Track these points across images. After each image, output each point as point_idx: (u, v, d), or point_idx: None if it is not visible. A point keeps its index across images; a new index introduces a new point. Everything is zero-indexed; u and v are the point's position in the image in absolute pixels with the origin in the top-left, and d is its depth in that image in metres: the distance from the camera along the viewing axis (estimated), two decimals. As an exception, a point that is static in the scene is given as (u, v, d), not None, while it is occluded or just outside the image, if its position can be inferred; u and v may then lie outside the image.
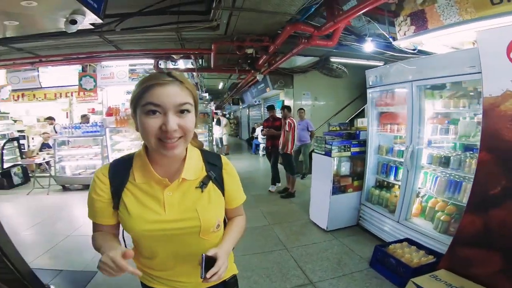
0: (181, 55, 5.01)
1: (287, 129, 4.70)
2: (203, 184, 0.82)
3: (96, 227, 0.86)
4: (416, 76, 2.44)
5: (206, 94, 8.72)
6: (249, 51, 4.27)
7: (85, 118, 6.24)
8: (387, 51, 4.07)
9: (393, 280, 2.27)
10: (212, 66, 5.31)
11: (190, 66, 5.92)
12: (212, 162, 0.88)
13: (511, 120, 1.59)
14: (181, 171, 0.80)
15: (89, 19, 2.10)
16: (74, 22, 2.01)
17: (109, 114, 5.36)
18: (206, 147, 4.49)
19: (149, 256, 0.84)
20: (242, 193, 0.97)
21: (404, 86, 2.62)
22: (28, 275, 1.99)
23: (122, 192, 0.79)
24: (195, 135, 0.88)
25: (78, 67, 5.96)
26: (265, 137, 5.77)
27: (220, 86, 10.85)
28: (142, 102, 0.70)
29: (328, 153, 3.25)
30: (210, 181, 0.84)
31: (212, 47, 4.10)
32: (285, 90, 8.04)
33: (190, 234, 0.80)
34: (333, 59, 5.41)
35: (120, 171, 0.81)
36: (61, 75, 6.55)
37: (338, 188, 3.29)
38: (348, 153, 3.27)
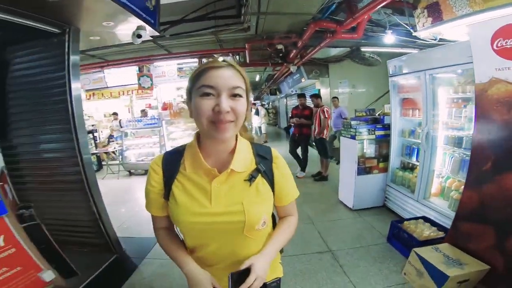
0: (220, 54, 5.55)
1: (326, 115, 4.87)
2: (251, 177, 0.80)
3: (154, 220, 0.89)
4: (427, 66, 2.59)
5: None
6: (279, 47, 4.62)
7: (144, 113, 7.22)
8: (416, 39, 4.07)
9: (403, 253, 2.47)
10: (247, 61, 5.76)
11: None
12: (263, 155, 0.85)
13: (497, 103, 1.75)
14: (230, 162, 0.78)
15: (149, 32, 2.67)
16: (139, 36, 2.59)
17: (164, 108, 6.24)
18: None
19: (193, 250, 0.84)
20: (295, 189, 0.92)
21: (418, 75, 2.77)
22: (114, 240, 2.64)
23: (173, 182, 0.80)
24: (245, 128, 0.87)
25: (136, 68, 6.89)
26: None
27: (257, 78, 11.31)
28: (197, 86, 0.72)
29: (353, 137, 3.50)
30: (259, 175, 0.81)
31: (246, 46, 4.55)
32: (320, 79, 8.14)
33: (234, 230, 0.78)
34: (363, 49, 5.44)
35: (172, 162, 0.82)
36: (122, 75, 7.50)
37: (363, 169, 3.52)
38: (373, 136, 3.47)
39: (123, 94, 8.03)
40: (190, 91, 0.77)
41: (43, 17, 1.96)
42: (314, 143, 5.25)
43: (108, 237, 2.59)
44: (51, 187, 2.43)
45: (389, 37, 3.80)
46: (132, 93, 7.88)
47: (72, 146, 2.25)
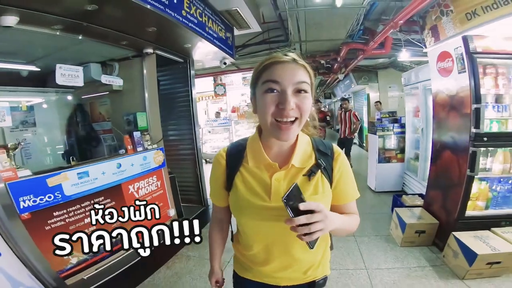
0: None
1: (358, 119, 5.71)
2: (311, 173, 0.76)
3: (214, 209, 0.94)
4: (421, 79, 3.39)
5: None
6: (322, 61, 5.65)
7: (217, 114, 9.02)
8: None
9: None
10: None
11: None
12: (323, 150, 0.81)
13: (441, 105, 2.57)
14: (291, 156, 0.77)
15: (229, 59, 4.12)
16: (225, 63, 4.06)
17: (232, 111, 7.89)
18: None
19: (247, 244, 0.83)
20: (355, 189, 0.85)
21: (417, 85, 3.55)
22: (204, 197, 4.07)
23: (235, 175, 0.80)
24: (307, 123, 0.82)
25: (211, 78, 8.71)
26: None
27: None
28: (261, 80, 0.70)
29: (374, 133, 4.35)
30: (319, 170, 0.77)
31: (295, 62, 5.75)
32: (369, 85, 8.71)
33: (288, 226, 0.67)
34: (400, 59, 6.01)
35: (235, 154, 0.82)
36: (201, 84, 9.48)
37: (383, 159, 4.33)
38: (391, 133, 4.27)
39: (202, 99, 10.04)
40: (254, 87, 0.74)
41: (177, 53, 3.52)
42: (342, 142, 5.85)
43: (202, 194, 4.06)
44: (177, 158, 4.01)
45: (404, 54, 4.49)
46: (208, 98, 9.81)
47: (191, 134, 3.84)
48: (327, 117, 5.99)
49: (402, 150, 4.28)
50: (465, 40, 2.31)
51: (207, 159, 8.16)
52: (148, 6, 2.04)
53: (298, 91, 0.69)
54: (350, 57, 5.63)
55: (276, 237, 0.78)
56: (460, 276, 2.12)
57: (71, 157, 2.25)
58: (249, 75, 8.86)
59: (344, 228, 0.78)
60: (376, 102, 6.95)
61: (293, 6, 3.41)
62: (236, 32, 4.25)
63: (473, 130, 2.19)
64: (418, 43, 3.83)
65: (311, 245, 0.64)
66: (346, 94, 12.47)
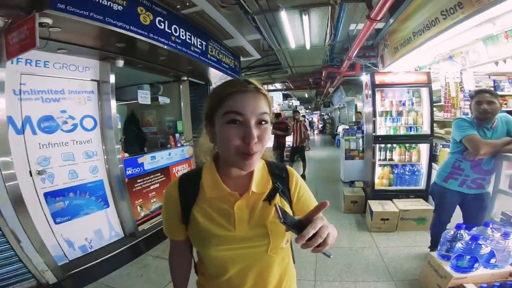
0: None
1: (306, 129, 6.71)
2: (270, 197, 0.78)
3: (171, 244, 0.90)
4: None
5: (298, 103, 11.97)
6: (310, 79, 7.25)
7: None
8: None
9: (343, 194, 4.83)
10: (292, 87, 8.54)
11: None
12: (278, 173, 0.83)
13: (366, 118, 4.10)
14: (249, 183, 0.77)
15: None
16: None
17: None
18: (291, 142, 7.73)
19: (216, 274, 0.79)
20: (315, 201, 0.88)
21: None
22: None
23: (192, 207, 0.77)
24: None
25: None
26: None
27: (306, 95, 13.86)
28: (223, 110, 0.67)
29: (341, 137, 5.90)
30: (277, 194, 0.80)
31: (288, 80, 7.35)
32: (357, 96, 10.24)
33: (258, 252, 0.75)
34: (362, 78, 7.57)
35: (189, 186, 0.79)
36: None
37: (349, 157, 5.85)
38: (354, 137, 5.79)
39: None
40: (211, 114, 0.71)
41: (201, 79, 5.13)
42: (296, 151, 6.65)
43: None
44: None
45: (364, 76, 6.00)
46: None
47: None
48: (288, 127, 6.67)
49: (363, 150, 5.78)
50: (372, 75, 3.84)
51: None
52: (191, 55, 3.65)
53: (260, 122, 0.68)
54: (332, 76, 7.20)
55: (246, 263, 0.76)
56: (369, 230, 3.47)
57: (144, 148, 3.88)
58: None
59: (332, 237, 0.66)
60: (357, 112, 8.47)
61: (278, 48, 5.02)
62: (242, 59, 5.88)
63: (373, 134, 3.73)
64: (375, 67, 5.37)
65: (328, 254, 0.59)
66: (341, 104, 14.07)
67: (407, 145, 3.85)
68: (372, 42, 5.22)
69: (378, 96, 3.84)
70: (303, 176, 6.47)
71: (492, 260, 1.83)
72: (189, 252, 0.91)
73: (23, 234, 2.18)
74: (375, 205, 3.46)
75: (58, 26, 2.19)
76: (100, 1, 2.29)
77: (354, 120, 9.30)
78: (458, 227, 1.95)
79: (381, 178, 3.93)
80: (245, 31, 4.47)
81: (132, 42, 2.85)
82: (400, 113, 3.89)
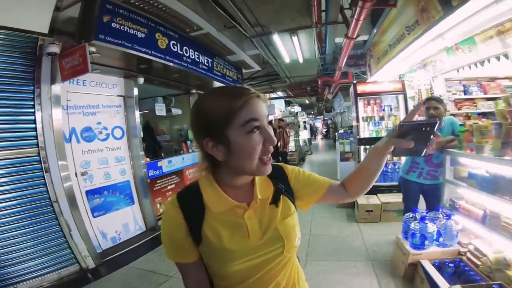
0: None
1: (288, 135, 7.33)
2: (276, 199, 0.78)
3: (182, 269, 0.75)
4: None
5: (300, 109, 12.58)
6: (308, 87, 7.86)
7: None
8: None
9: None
10: (292, 95, 9.15)
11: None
12: (276, 175, 0.81)
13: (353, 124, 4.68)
14: (253, 191, 0.76)
15: None
16: None
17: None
18: (292, 147, 8.37)
19: (234, 284, 0.74)
20: (323, 179, 0.89)
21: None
22: None
23: (201, 225, 0.71)
24: None
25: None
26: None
27: (307, 101, 14.47)
28: (241, 121, 0.64)
29: (336, 141, 6.45)
30: (282, 194, 0.80)
31: (287, 89, 7.97)
32: (355, 101, 10.80)
33: (275, 255, 0.73)
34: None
35: (192, 203, 0.73)
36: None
37: (344, 158, 6.38)
38: (348, 140, 6.34)
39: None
40: (219, 131, 0.65)
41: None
42: (280, 155, 7.09)
43: None
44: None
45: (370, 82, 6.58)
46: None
47: None
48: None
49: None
50: (355, 85, 4.42)
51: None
52: (199, 72, 4.27)
53: (268, 123, 0.70)
54: (328, 84, 7.80)
55: (264, 269, 0.73)
56: (356, 221, 3.96)
57: (161, 153, 4.50)
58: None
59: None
60: (355, 117, 9.05)
61: (275, 62, 5.64)
62: (244, 71, 6.51)
63: (358, 136, 4.29)
64: (364, 75, 5.94)
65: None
66: (341, 109, 14.61)
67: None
68: (362, 51, 5.81)
69: (361, 103, 4.42)
70: None
71: (441, 239, 2.27)
72: (207, 278, 0.77)
73: (73, 224, 2.78)
74: (361, 199, 3.98)
75: (98, 52, 2.83)
76: (128, 31, 2.92)
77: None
78: (414, 211, 2.47)
79: None
80: (245, 47, 5.10)
81: (152, 63, 3.50)
82: (382, 118, 4.47)
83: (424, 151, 0.72)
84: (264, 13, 3.48)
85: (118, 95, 3.65)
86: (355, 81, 6.02)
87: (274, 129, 7.13)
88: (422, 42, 3.07)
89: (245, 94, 0.67)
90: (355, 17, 3.03)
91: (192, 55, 4.13)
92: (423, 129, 0.69)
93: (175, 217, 0.72)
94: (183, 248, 0.73)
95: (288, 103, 14.06)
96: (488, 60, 3.05)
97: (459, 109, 4.01)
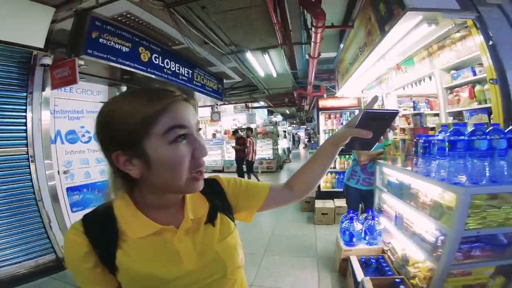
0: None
1: (248, 145, 7.51)
2: (212, 218, 0.70)
3: None
4: None
5: (281, 118, 13.23)
6: (286, 100, 8.48)
7: (213, 135, 11.77)
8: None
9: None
10: (272, 105, 9.77)
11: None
12: (210, 190, 0.73)
13: (314, 134, 5.28)
14: (183, 211, 0.67)
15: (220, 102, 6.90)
16: (217, 104, 6.85)
17: (225, 133, 10.62)
18: (274, 154, 8.98)
19: None
20: (262, 183, 0.86)
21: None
22: None
23: (115, 252, 0.60)
24: None
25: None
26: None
27: (288, 111, 15.09)
28: (162, 128, 0.55)
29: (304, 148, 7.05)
30: (218, 212, 0.72)
31: (267, 99, 8.57)
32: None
33: (217, 279, 0.65)
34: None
35: (101, 227, 0.61)
36: (202, 110, 12.28)
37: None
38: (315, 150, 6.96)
39: (202, 122, 12.85)
40: (134, 142, 0.55)
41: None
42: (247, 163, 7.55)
43: None
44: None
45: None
46: (206, 122, 12.62)
47: None
48: (245, 142, 7.65)
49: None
50: (317, 100, 5.03)
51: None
52: (179, 83, 4.75)
53: (198, 131, 0.61)
54: (303, 96, 8.42)
55: None
56: (314, 223, 4.49)
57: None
58: (239, 105, 11.72)
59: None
60: (330, 128, 9.76)
61: (252, 76, 6.21)
62: (225, 81, 7.01)
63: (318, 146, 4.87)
64: (333, 89, 6.55)
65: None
66: (321, 120, 15.43)
67: (346, 156, 5.01)
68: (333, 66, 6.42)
69: (322, 117, 5.03)
70: None
71: (367, 237, 2.70)
72: None
73: (54, 217, 3.15)
74: (319, 203, 4.55)
75: (86, 65, 3.25)
76: (114, 46, 3.35)
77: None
78: (348, 212, 2.99)
79: (326, 182, 5.05)
80: (225, 60, 5.56)
81: (135, 74, 3.95)
82: (341, 131, 5.08)
83: (375, 145, 0.76)
84: (235, 34, 4.02)
85: (101, 102, 4.06)
86: (325, 95, 6.67)
87: (243, 138, 7.60)
88: (370, 62, 3.47)
89: (167, 96, 0.57)
90: (312, 39, 3.56)
91: (172, 67, 4.61)
92: (386, 117, 0.72)
93: (78, 244, 0.60)
94: (93, 280, 0.62)
95: (271, 112, 14.68)
96: (424, 80, 3.47)
97: (408, 123, 4.63)
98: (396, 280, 2.05)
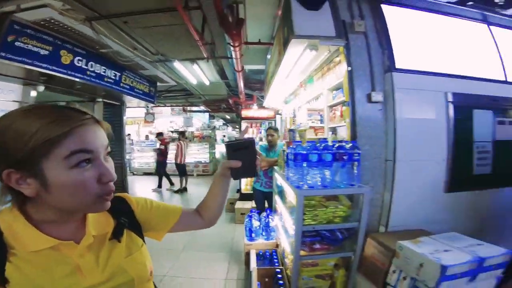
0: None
1: (178, 147, 7.56)
2: (118, 235, 0.72)
3: None
4: None
5: (221, 123, 13.72)
6: (223, 106, 9.01)
7: (147, 137, 11.65)
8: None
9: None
10: (210, 110, 10.22)
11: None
12: (117, 208, 0.75)
13: None
14: (84, 226, 0.68)
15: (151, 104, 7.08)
16: (148, 108, 6.99)
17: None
18: (211, 157, 9.35)
19: None
20: (174, 206, 0.92)
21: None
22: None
23: (5, 266, 0.58)
24: None
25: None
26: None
27: (228, 117, 15.63)
28: (66, 151, 0.55)
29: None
30: (125, 229, 0.74)
31: (204, 105, 9.00)
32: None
33: None
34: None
35: None
36: (136, 110, 12.06)
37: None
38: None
39: (134, 123, 12.63)
40: (32, 159, 0.55)
41: (116, 101, 6.33)
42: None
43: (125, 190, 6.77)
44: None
45: (254, 107, 7.89)
46: (140, 122, 12.44)
47: (120, 149, 6.58)
48: (166, 145, 7.86)
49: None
50: (240, 110, 5.70)
51: (134, 172, 10.68)
52: (104, 85, 4.88)
53: (107, 154, 0.64)
54: (238, 104, 9.05)
55: None
56: (235, 222, 5.02)
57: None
58: (176, 108, 11.83)
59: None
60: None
61: (185, 82, 6.58)
62: (159, 84, 7.20)
63: None
64: (263, 99, 7.23)
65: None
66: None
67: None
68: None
69: (244, 125, 5.69)
70: (184, 189, 7.58)
71: (263, 233, 3.22)
72: None
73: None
74: (239, 204, 5.13)
75: None
76: (32, 49, 3.47)
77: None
78: (251, 211, 3.54)
79: (246, 185, 5.69)
80: (158, 65, 5.83)
81: (53, 76, 4.02)
82: (261, 139, 5.79)
83: (257, 170, 0.81)
84: (161, 46, 4.38)
85: (13, 101, 4.01)
86: (255, 104, 7.37)
87: (164, 140, 7.76)
88: (281, 78, 4.02)
89: (75, 119, 0.58)
90: (233, 56, 4.09)
91: (97, 70, 4.74)
92: (245, 147, 0.78)
93: None
94: None
95: (213, 117, 15.06)
96: (320, 97, 3.93)
97: (316, 135, 5.48)
98: (277, 270, 2.42)
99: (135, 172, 10.66)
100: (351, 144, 2.10)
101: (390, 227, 2.46)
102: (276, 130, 3.84)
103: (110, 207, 0.66)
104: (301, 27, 2.48)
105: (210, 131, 11.16)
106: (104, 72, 4.91)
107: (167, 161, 7.78)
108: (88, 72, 4.51)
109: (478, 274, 1.59)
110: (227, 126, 17.58)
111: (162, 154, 7.63)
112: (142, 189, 8.15)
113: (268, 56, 5.02)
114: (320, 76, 3.72)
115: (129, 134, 12.29)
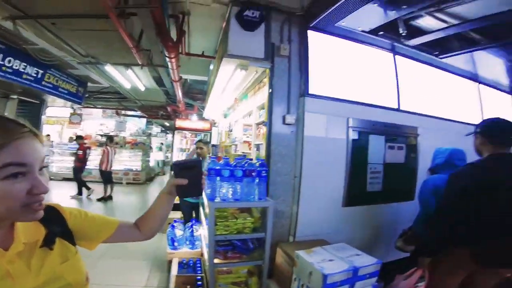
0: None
1: (104, 153, 7.06)
2: (49, 243, 0.73)
3: None
4: None
5: (159, 130, 13.35)
6: (160, 113, 8.87)
7: (71, 139, 10.68)
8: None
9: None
10: (146, 116, 9.95)
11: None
12: (48, 217, 0.75)
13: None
14: (12, 234, 0.69)
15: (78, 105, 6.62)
16: (74, 109, 6.53)
17: (85, 138, 9.89)
18: (143, 166, 8.98)
19: None
20: (111, 219, 0.94)
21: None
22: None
23: None
24: None
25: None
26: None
27: (167, 124, 15.34)
28: None
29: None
30: (57, 238, 0.76)
31: (139, 110, 8.75)
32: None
33: None
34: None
35: None
36: (59, 111, 10.98)
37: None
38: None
39: (57, 123, 11.50)
40: None
41: (35, 99, 5.81)
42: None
43: None
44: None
45: (194, 117, 8.07)
46: (64, 123, 11.37)
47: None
48: (85, 150, 7.33)
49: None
50: (174, 120, 5.77)
51: (52, 177, 9.70)
52: (21, 83, 4.51)
53: (41, 168, 0.65)
54: (176, 112, 9.02)
55: None
56: (163, 231, 4.81)
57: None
58: (108, 110, 11.11)
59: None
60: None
61: (118, 86, 6.40)
62: (90, 84, 6.81)
63: (173, 162, 5.59)
64: (202, 110, 7.34)
65: None
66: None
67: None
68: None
69: (178, 136, 5.78)
70: (109, 197, 7.19)
71: (188, 243, 3.28)
72: None
73: None
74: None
75: None
76: None
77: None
78: (175, 221, 3.52)
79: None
80: (88, 66, 5.56)
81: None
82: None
83: (202, 188, 0.85)
84: (93, 48, 4.28)
85: None
86: (195, 114, 7.46)
87: (83, 145, 7.26)
88: (217, 92, 4.25)
89: (10, 132, 0.60)
90: (169, 66, 4.17)
91: (15, 66, 4.40)
92: (191, 167, 0.81)
93: None
94: None
95: (151, 123, 14.46)
96: (252, 113, 4.08)
97: (250, 149, 5.79)
98: (197, 277, 2.54)
99: (53, 177, 9.66)
100: (260, 162, 2.35)
101: (297, 237, 2.72)
102: (206, 143, 4.02)
103: (42, 217, 0.68)
104: (235, 47, 2.63)
105: (145, 138, 10.75)
106: (24, 69, 4.58)
107: (85, 167, 7.37)
108: (3, 68, 4.15)
109: (355, 282, 1.75)
110: (167, 133, 17.01)
111: (79, 160, 7.13)
112: (59, 196, 7.39)
113: (211, 67, 5.11)
114: (253, 94, 3.93)
115: (48, 135, 11.20)
